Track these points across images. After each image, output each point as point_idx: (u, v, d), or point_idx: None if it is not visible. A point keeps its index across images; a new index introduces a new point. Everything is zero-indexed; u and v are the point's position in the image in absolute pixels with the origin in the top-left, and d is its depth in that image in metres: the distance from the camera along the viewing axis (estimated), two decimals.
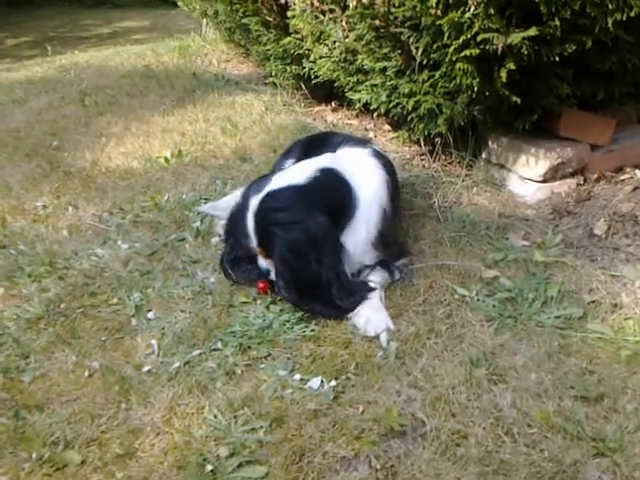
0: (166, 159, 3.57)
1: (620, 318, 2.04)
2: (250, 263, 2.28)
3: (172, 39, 7.16)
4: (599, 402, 1.72)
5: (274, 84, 4.66)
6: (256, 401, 1.77)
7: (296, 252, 2.07)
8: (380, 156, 2.50)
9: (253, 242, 2.18)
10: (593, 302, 2.12)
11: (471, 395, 1.76)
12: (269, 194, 2.15)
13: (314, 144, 2.72)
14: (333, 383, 1.82)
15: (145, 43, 7.59)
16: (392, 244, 2.40)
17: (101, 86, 5.21)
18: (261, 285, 2.23)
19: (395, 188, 2.47)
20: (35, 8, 13.52)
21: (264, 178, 2.26)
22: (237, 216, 2.24)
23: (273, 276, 2.20)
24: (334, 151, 2.47)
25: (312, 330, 2.05)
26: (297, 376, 1.86)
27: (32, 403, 1.84)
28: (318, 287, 2.09)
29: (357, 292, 2.13)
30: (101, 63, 6.25)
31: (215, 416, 1.72)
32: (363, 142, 2.63)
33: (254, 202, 2.15)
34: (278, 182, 2.18)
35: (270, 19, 4.18)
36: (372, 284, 2.22)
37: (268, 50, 4.41)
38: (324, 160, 2.33)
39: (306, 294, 2.12)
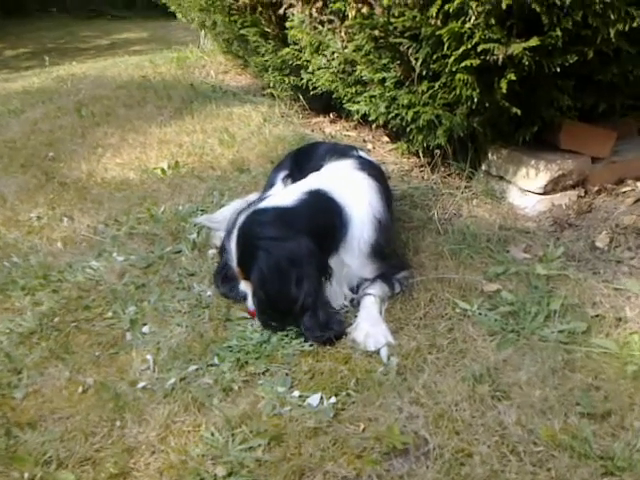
0: (163, 170, 3.53)
1: (625, 332, 2.00)
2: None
3: (170, 50, 7.15)
4: (606, 419, 1.68)
5: (272, 95, 4.63)
6: (254, 418, 1.73)
7: (275, 270, 2.02)
8: (367, 165, 2.47)
9: (234, 261, 2.15)
10: (597, 316, 2.09)
11: (475, 412, 1.71)
12: (255, 211, 2.14)
13: (302, 156, 2.74)
14: (333, 400, 1.77)
15: (143, 55, 7.57)
16: (391, 256, 2.37)
17: (98, 97, 5.19)
18: (251, 310, 2.17)
19: (387, 194, 2.44)
20: (34, 19, 13.51)
21: (258, 200, 2.24)
22: (225, 234, 2.21)
23: (249, 303, 2.15)
24: (320, 167, 2.45)
25: (311, 345, 2.01)
26: (296, 392, 1.81)
27: (24, 421, 1.79)
28: (291, 312, 2.04)
29: (331, 324, 2.06)
30: (98, 74, 6.24)
31: (212, 434, 1.68)
32: (347, 152, 2.60)
33: (241, 219, 2.13)
34: (267, 202, 2.18)
35: (269, 30, 4.16)
36: (371, 297, 2.18)
37: (266, 61, 4.39)
38: (310, 182, 2.31)
39: (280, 318, 2.08)
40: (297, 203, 2.14)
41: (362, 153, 2.69)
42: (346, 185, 2.29)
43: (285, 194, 2.24)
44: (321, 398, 1.79)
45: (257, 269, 2.05)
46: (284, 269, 2.02)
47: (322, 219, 2.17)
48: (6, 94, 5.76)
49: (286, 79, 4.25)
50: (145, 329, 2.15)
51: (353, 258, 2.20)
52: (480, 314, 2.11)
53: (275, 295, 2.04)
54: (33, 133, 4.41)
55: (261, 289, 2.06)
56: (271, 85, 4.58)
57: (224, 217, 2.69)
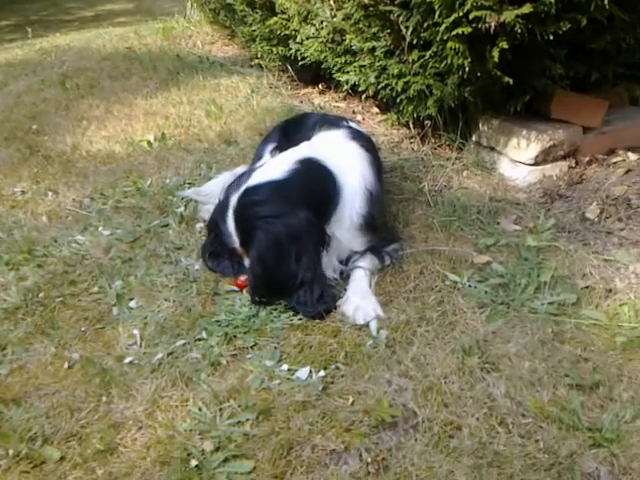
0: (149, 143, 3.48)
1: (615, 304, 1.99)
2: (230, 258, 2.20)
3: (156, 21, 7.01)
4: (595, 391, 1.67)
5: (260, 66, 4.56)
6: (242, 393, 1.71)
7: (275, 248, 1.99)
8: (358, 135, 2.43)
9: (235, 242, 2.11)
10: (587, 287, 2.07)
11: (464, 384, 1.70)
12: (248, 190, 2.08)
13: (292, 127, 2.68)
14: (322, 373, 1.76)
15: (129, 26, 7.42)
16: (381, 228, 2.34)
17: (82, 69, 5.10)
18: (239, 282, 2.15)
19: (378, 166, 2.40)
20: None
21: (244, 175, 2.18)
22: (218, 215, 2.16)
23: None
24: (310, 137, 2.40)
25: (300, 319, 1.99)
26: (284, 366, 1.80)
27: (9, 397, 1.77)
28: (289, 286, 2.01)
29: (324, 301, 2.03)
30: (82, 45, 6.11)
31: (200, 409, 1.66)
32: (338, 122, 2.56)
33: (234, 199, 2.08)
34: (257, 178, 2.11)
35: None
36: (361, 270, 2.16)
37: (254, 31, 4.32)
38: (302, 150, 2.25)
39: (274, 294, 2.06)
40: (289, 174, 2.09)
41: (352, 124, 2.65)
42: (338, 154, 2.24)
43: (275, 165, 2.17)
44: (310, 372, 1.77)
45: (257, 248, 2.01)
46: (285, 246, 1.98)
47: (316, 187, 2.13)
48: None
49: (274, 49, 4.18)
50: (132, 304, 2.13)
51: (344, 230, 2.17)
52: (470, 286, 2.09)
53: (274, 272, 2.02)
54: (16, 106, 4.32)
55: (260, 266, 2.03)
56: (259, 56, 4.51)
57: (212, 190, 2.66)
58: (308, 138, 2.39)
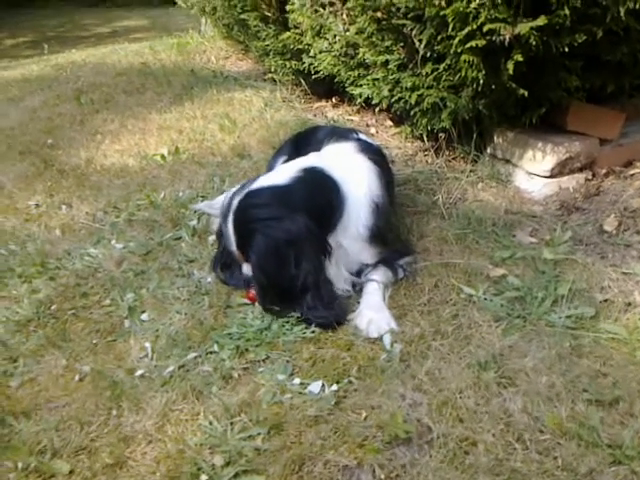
0: (163, 157, 3.49)
1: (634, 317, 1.95)
2: (239, 269, 2.19)
3: (171, 37, 7.08)
4: (614, 406, 1.63)
5: (273, 80, 4.58)
6: (253, 407, 1.68)
7: (273, 252, 1.97)
8: (367, 147, 2.41)
9: (233, 245, 2.10)
10: (605, 301, 2.03)
11: (479, 399, 1.67)
12: (249, 193, 2.08)
13: (302, 140, 2.68)
14: (334, 387, 1.73)
15: (144, 42, 7.50)
16: (393, 240, 2.32)
17: (97, 84, 5.14)
18: (251, 295, 2.13)
19: (387, 178, 2.38)
20: (35, 8, 13.44)
21: (250, 180, 2.18)
22: (222, 217, 2.15)
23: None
24: (319, 148, 2.39)
25: (312, 332, 1.96)
26: (297, 380, 1.77)
27: (19, 409, 1.75)
28: (292, 290, 1.99)
29: (335, 305, 2.01)
30: (98, 61, 6.17)
31: (210, 423, 1.64)
32: (348, 134, 2.55)
33: (235, 202, 2.08)
34: (261, 182, 2.11)
35: (269, 14, 4.10)
36: (374, 283, 2.13)
37: (267, 45, 4.33)
38: (309, 159, 2.25)
39: (282, 300, 2.03)
40: (292, 181, 2.09)
41: (362, 136, 2.63)
42: (344, 165, 2.23)
43: (279, 172, 2.17)
44: (322, 386, 1.74)
45: (255, 252, 2.00)
46: (282, 249, 1.96)
47: (318, 196, 2.11)
48: (5, 82, 5.71)
49: (287, 63, 4.19)
50: (144, 316, 2.11)
51: (350, 240, 2.15)
52: (486, 299, 2.06)
53: (275, 276, 2.00)
54: (32, 121, 4.36)
55: (260, 271, 2.02)
56: (272, 70, 4.52)
57: None
58: (318, 150, 2.39)
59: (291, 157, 2.60)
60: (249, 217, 2.03)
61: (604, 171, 2.85)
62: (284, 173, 2.14)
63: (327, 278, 2.05)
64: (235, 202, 2.07)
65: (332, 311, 1.99)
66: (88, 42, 8.95)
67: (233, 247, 2.10)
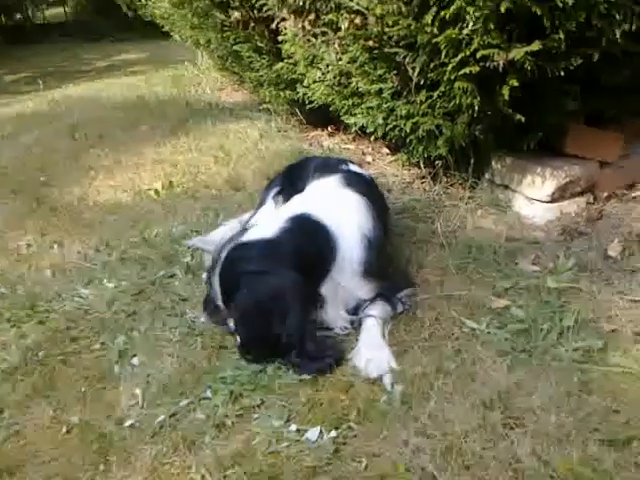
0: (156, 191, 3.44)
1: None
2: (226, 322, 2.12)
3: (166, 69, 7.09)
4: (628, 446, 1.54)
5: (269, 110, 4.54)
6: (248, 458, 1.60)
7: (256, 308, 1.91)
8: (354, 180, 2.36)
9: (219, 300, 2.04)
10: (613, 331, 1.96)
11: (486, 443, 1.58)
12: (237, 246, 2.02)
13: (294, 172, 2.64)
14: (333, 434, 1.64)
15: (141, 75, 7.51)
16: (390, 273, 2.25)
17: (92, 119, 5.12)
18: None
19: (378, 209, 2.32)
20: (34, 44, 13.53)
21: (241, 231, 2.13)
22: (210, 269, 2.09)
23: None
24: (304, 187, 2.35)
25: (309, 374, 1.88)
26: (293, 427, 1.69)
27: (4, 466, 1.67)
28: (276, 348, 1.92)
29: (322, 358, 1.92)
30: (93, 95, 6.18)
31: (202, 477, 1.55)
32: (336, 167, 2.50)
33: (223, 255, 2.02)
34: (249, 235, 2.06)
35: (262, 45, 4.08)
36: (372, 319, 2.06)
37: (261, 76, 4.31)
38: (293, 206, 2.20)
39: (265, 356, 1.96)
40: (280, 232, 2.03)
41: (352, 166, 2.59)
42: (330, 205, 2.18)
43: (267, 223, 2.11)
44: (320, 432, 1.66)
45: (238, 307, 1.94)
46: (266, 306, 1.90)
47: (308, 246, 2.04)
48: (0, 120, 5.69)
49: (282, 94, 4.16)
50: (134, 361, 2.04)
51: (346, 279, 2.08)
52: (489, 333, 1.98)
53: (257, 334, 1.93)
54: (25, 158, 4.33)
55: (243, 327, 1.95)
56: (267, 100, 4.49)
57: (218, 238, 2.59)
58: (304, 186, 2.35)
59: (283, 189, 2.57)
60: (234, 271, 1.97)
61: (606, 194, 2.79)
62: (272, 224, 2.08)
63: (314, 333, 1.97)
64: (223, 255, 2.01)
65: (319, 363, 1.90)
66: (87, 76, 8.94)
67: (219, 302, 2.04)
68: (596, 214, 2.69)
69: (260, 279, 1.91)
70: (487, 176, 2.99)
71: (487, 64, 2.26)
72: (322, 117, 4.05)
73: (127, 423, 1.77)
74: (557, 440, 1.57)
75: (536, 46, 2.15)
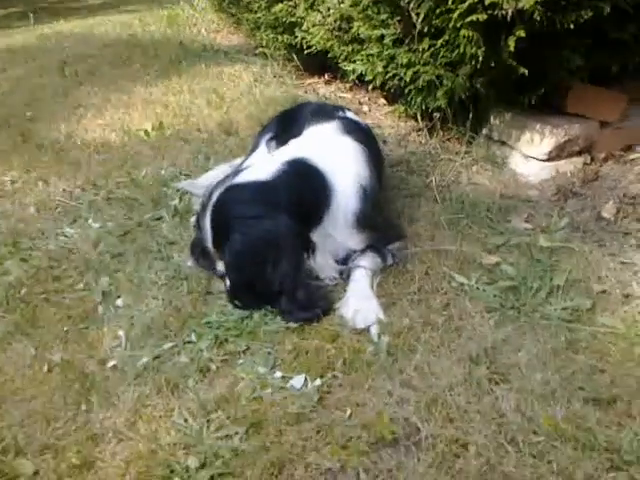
0: (146, 132, 3.36)
1: (633, 311, 1.86)
2: (214, 265, 2.08)
3: (162, 9, 6.88)
4: (612, 406, 1.54)
5: (265, 55, 4.43)
6: (232, 403, 1.59)
7: (249, 253, 1.86)
8: (352, 127, 2.30)
9: (209, 241, 1.98)
10: (603, 292, 1.94)
11: (471, 397, 1.58)
12: (230, 187, 1.96)
13: (288, 118, 2.57)
14: (318, 382, 1.63)
15: (135, 13, 7.28)
16: (382, 225, 2.20)
17: (83, 55, 4.99)
18: None
19: (375, 158, 2.27)
20: None
21: (232, 173, 2.06)
22: (200, 211, 2.02)
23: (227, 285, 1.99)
24: (301, 132, 2.28)
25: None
26: (278, 373, 1.68)
27: None
28: (267, 294, 1.89)
29: (310, 307, 1.89)
30: (85, 32, 6.00)
31: (185, 420, 1.54)
32: (333, 113, 2.43)
33: (215, 196, 1.96)
34: (243, 177, 1.99)
35: None
36: (362, 270, 2.03)
37: (259, 18, 4.19)
38: (290, 150, 2.12)
39: (255, 301, 1.93)
40: (275, 175, 1.96)
41: (349, 114, 2.52)
42: (328, 151, 2.11)
43: (262, 165, 2.03)
44: (305, 380, 1.65)
45: (231, 251, 1.89)
46: (259, 251, 1.85)
47: (303, 191, 1.98)
48: None
49: (279, 38, 4.05)
50: (119, 302, 2.01)
51: (338, 229, 2.04)
52: (478, 289, 1.97)
53: (249, 278, 1.89)
54: (12, 93, 4.21)
55: (235, 272, 1.91)
56: (264, 44, 4.38)
57: (208, 183, 2.53)
58: (302, 129, 2.27)
59: (276, 135, 2.52)
60: (227, 214, 1.92)
61: (603, 155, 2.75)
62: (267, 167, 2.00)
63: (305, 280, 1.93)
64: (215, 196, 1.95)
65: (308, 313, 1.87)
66: (79, 14, 8.67)
67: (209, 243, 1.98)
68: (592, 175, 2.65)
69: (254, 224, 1.86)
70: (485, 131, 2.93)
71: (495, 12, 2.18)
72: (319, 64, 3.96)
73: (110, 364, 1.75)
74: (542, 397, 1.57)
75: None
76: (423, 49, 2.62)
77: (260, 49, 4.52)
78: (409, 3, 2.52)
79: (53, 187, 2.81)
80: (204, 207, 1.99)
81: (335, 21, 3.19)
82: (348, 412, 1.55)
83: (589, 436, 1.45)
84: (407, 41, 2.73)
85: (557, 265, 2.07)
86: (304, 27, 3.53)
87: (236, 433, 1.50)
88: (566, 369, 1.65)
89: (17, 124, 3.62)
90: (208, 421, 1.54)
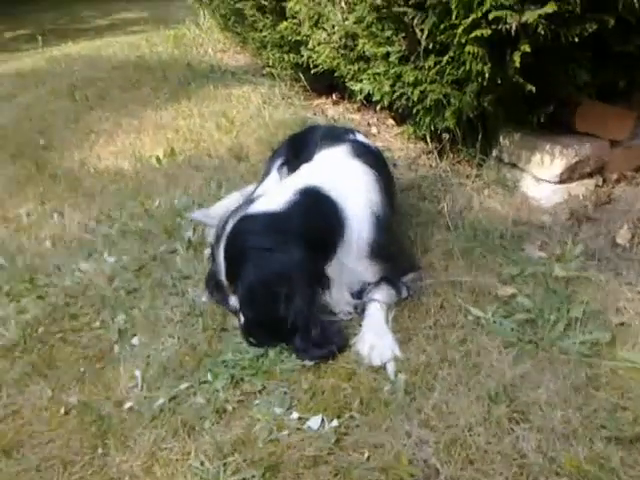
0: (158, 159, 3.37)
1: None
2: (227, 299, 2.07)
3: (168, 29, 6.92)
4: (635, 445, 1.52)
5: (272, 75, 4.43)
6: (248, 445, 1.58)
7: (263, 287, 1.85)
8: (362, 151, 2.29)
9: (222, 274, 1.97)
10: (622, 324, 1.92)
11: (490, 437, 1.56)
12: (243, 218, 1.95)
13: (298, 142, 2.57)
14: (335, 423, 1.62)
15: (142, 34, 7.33)
16: (396, 255, 2.18)
17: (92, 79, 5.02)
18: None
19: (386, 183, 2.26)
20: (33, 1, 13.20)
21: (245, 203, 2.05)
22: (214, 242, 2.01)
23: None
24: (311, 156, 2.27)
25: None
26: (295, 414, 1.66)
27: (0, 447, 1.65)
28: (281, 331, 1.87)
29: (325, 345, 1.86)
30: (93, 54, 6.05)
31: (202, 463, 1.53)
32: (342, 136, 2.42)
33: (229, 227, 1.95)
34: (257, 207, 1.97)
35: (265, 3, 3.99)
36: (376, 304, 2.02)
37: (264, 37, 4.20)
38: (302, 178, 2.11)
39: (268, 338, 1.91)
40: (288, 205, 1.94)
41: (359, 136, 2.51)
42: (340, 177, 2.10)
43: (274, 195, 2.02)
44: (322, 421, 1.64)
45: (243, 285, 1.88)
46: (272, 285, 1.84)
47: (317, 221, 1.97)
48: None
49: (286, 57, 4.07)
50: (134, 340, 2.01)
51: (352, 259, 2.01)
52: (495, 322, 1.95)
53: (262, 314, 1.88)
54: (25, 119, 4.25)
55: (248, 309, 1.90)
56: (271, 64, 4.39)
57: (221, 211, 2.53)
58: (313, 154, 2.27)
59: (287, 160, 2.52)
60: (240, 245, 1.90)
61: (615, 177, 2.73)
62: (279, 196, 1.99)
63: (318, 317, 1.91)
64: (229, 226, 1.94)
65: (323, 350, 1.85)
66: (87, 35, 8.73)
67: (222, 276, 1.97)
68: (605, 197, 2.63)
69: (267, 257, 1.85)
70: (495, 153, 2.93)
71: (499, 27, 2.18)
72: (327, 84, 3.97)
73: (126, 405, 1.75)
74: (563, 436, 1.55)
75: (550, 8, 2.06)
76: (429, 66, 2.61)
77: (267, 69, 4.52)
78: (413, 19, 2.52)
79: (68, 219, 2.83)
80: (218, 238, 1.98)
81: (340, 39, 3.20)
82: (366, 454, 1.54)
83: (613, 477, 1.43)
84: (413, 58, 2.72)
85: (574, 296, 2.05)
86: (310, 45, 3.54)
87: (253, 477, 1.49)
88: (587, 407, 1.63)
89: (31, 153, 3.65)
90: (225, 464, 1.53)
